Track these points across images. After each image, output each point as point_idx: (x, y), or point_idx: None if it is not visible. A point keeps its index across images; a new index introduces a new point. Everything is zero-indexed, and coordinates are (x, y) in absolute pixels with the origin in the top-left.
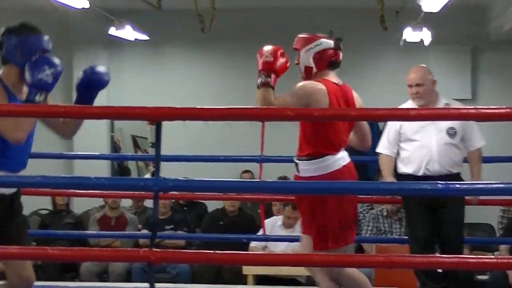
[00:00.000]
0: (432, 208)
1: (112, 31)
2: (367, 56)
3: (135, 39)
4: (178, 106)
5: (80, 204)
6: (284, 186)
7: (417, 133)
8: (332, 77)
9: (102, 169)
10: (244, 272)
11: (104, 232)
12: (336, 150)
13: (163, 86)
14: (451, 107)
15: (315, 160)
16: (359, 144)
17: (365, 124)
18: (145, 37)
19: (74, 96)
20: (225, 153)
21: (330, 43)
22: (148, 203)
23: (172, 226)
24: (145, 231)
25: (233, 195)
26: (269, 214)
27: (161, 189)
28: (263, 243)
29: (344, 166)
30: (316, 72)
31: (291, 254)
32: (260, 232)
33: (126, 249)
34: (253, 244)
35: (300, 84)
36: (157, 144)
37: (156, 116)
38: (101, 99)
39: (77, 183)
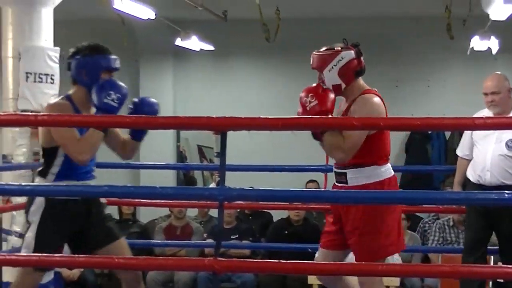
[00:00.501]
0: (489, 217)
1: (178, 41)
2: (434, 64)
3: (201, 49)
4: (243, 116)
5: (146, 214)
6: (350, 196)
7: (481, 140)
8: (365, 84)
9: (168, 179)
10: (309, 282)
11: (170, 241)
12: (385, 161)
13: (228, 95)
14: None
15: (365, 168)
16: None
17: None
18: (211, 47)
19: None
20: (290, 162)
21: (351, 53)
22: (213, 212)
23: (237, 235)
24: (210, 241)
25: (298, 204)
26: None
27: (226, 198)
28: None
29: (393, 175)
30: (345, 88)
31: (356, 264)
32: None
33: (191, 258)
34: (318, 254)
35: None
36: (222, 154)
37: (222, 126)
38: (167, 109)
39: (144, 193)
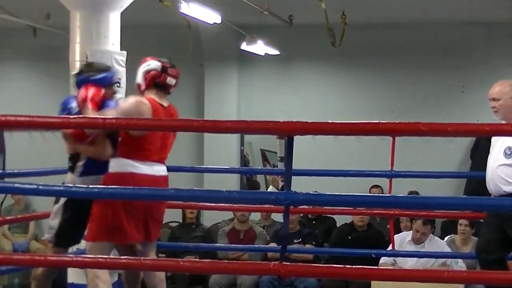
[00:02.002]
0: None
1: (243, 46)
2: (501, 70)
3: (266, 54)
4: (309, 121)
5: (209, 217)
6: (415, 201)
7: (491, 149)
8: (158, 97)
9: (231, 183)
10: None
11: (234, 245)
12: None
13: (293, 100)
14: None
15: None
16: None
17: None
18: (276, 52)
19: (207, 109)
20: (353, 167)
21: (158, 65)
22: (275, 216)
23: (300, 239)
24: (273, 245)
25: (363, 210)
26: (396, 230)
27: (292, 203)
28: (391, 259)
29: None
30: (143, 90)
31: (420, 269)
32: (389, 248)
33: (256, 262)
34: (383, 260)
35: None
36: (288, 158)
37: (289, 131)
38: (232, 114)
39: (210, 196)
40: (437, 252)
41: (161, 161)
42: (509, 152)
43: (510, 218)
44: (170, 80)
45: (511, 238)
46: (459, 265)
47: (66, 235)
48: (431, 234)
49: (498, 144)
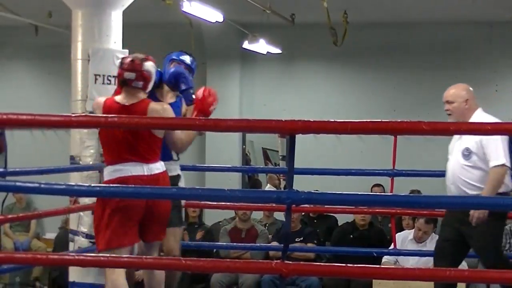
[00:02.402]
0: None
1: (245, 44)
2: (502, 69)
3: (268, 52)
4: (311, 119)
5: (211, 216)
6: (416, 200)
7: (449, 151)
8: (124, 96)
9: (232, 181)
10: (374, 287)
11: (236, 244)
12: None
13: (295, 99)
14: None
15: None
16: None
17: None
18: (278, 51)
19: None
20: (355, 166)
21: (119, 62)
22: (277, 215)
23: (301, 238)
24: (274, 243)
25: (364, 209)
26: (398, 229)
27: (294, 201)
28: (394, 258)
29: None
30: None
31: (422, 268)
32: (391, 246)
33: (258, 261)
34: (385, 258)
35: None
36: (290, 157)
37: (291, 129)
38: (234, 112)
39: (212, 195)
40: None
41: (123, 161)
42: (467, 153)
43: (469, 223)
44: (128, 75)
45: (467, 242)
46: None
47: None
48: (433, 233)
49: (457, 146)
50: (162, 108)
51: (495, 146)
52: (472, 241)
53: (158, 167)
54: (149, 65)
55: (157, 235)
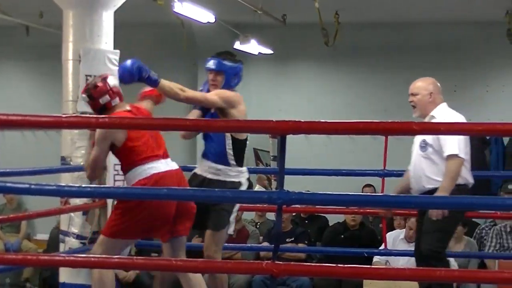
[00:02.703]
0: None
1: (237, 45)
2: (493, 69)
3: (259, 53)
4: (302, 120)
5: None
6: (407, 200)
7: (413, 146)
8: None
9: None
10: (365, 287)
11: (227, 244)
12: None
13: (286, 99)
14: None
15: None
16: None
17: None
18: (269, 51)
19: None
20: (346, 167)
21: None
22: (269, 214)
23: (292, 239)
24: (265, 244)
25: (355, 209)
26: (390, 229)
27: (285, 202)
28: (385, 258)
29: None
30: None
31: (413, 268)
32: (382, 247)
33: (249, 261)
34: (376, 258)
35: None
36: (281, 157)
37: (282, 130)
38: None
39: (204, 195)
40: None
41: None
42: (424, 145)
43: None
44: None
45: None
46: (451, 264)
47: None
48: None
49: (417, 138)
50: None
51: (451, 137)
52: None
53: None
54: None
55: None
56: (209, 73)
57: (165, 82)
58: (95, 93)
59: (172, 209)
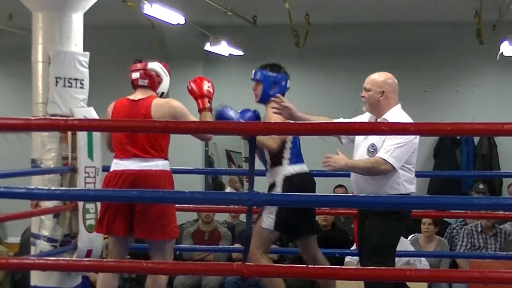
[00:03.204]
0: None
1: (208, 46)
2: (463, 70)
3: (230, 54)
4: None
5: None
6: (379, 201)
7: (354, 149)
8: (134, 94)
9: (196, 183)
10: (338, 287)
11: (199, 246)
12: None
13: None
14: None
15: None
16: None
17: None
18: (240, 53)
19: None
20: (318, 167)
21: None
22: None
23: None
24: (238, 245)
25: (327, 209)
26: None
27: (255, 203)
28: (356, 258)
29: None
30: None
31: (384, 269)
32: (353, 247)
33: (220, 263)
34: (348, 258)
35: None
36: (251, 159)
37: (251, 131)
38: (197, 114)
39: (173, 197)
40: (401, 251)
41: (127, 157)
42: (373, 150)
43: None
44: (134, 75)
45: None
46: (423, 263)
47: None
48: None
49: (364, 143)
50: (166, 102)
51: (394, 144)
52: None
53: (152, 164)
54: (154, 65)
55: (142, 233)
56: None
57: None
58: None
59: None
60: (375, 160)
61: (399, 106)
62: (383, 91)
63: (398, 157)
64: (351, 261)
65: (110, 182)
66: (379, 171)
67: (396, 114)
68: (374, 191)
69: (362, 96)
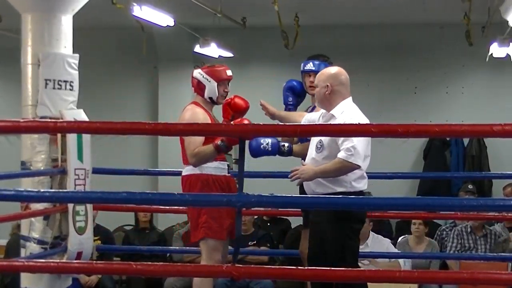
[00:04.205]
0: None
1: (197, 48)
2: (453, 71)
3: (220, 56)
4: (261, 123)
5: (164, 220)
6: (367, 202)
7: (310, 147)
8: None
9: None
10: None
11: (189, 248)
12: None
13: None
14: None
15: None
16: None
17: None
18: (230, 54)
19: (161, 112)
20: None
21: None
22: None
23: (254, 241)
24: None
25: None
26: None
27: (244, 205)
28: None
29: None
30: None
31: (373, 270)
32: None
33: (209, 264)
34: None
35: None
36: (240, 161)
37: (241, 133)
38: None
39: (162, 199)
40: (391, 252)
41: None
42: (320, 146)
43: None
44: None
45: None
46: (406, 264)
47: None
48: (373, 233)
49: (314, 140)
50: (188, 109)
51: (353, 141)
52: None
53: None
54: (195, 73)
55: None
56: (307, 76)
57: (295, 148)
58: None
59: None
60: (338, 160)
61: (349, 99)
62: (327, 85)
63: (359, 151)
64: None
65: None
66: (348, 167)
67: (344, 109)
68: (325, 190)
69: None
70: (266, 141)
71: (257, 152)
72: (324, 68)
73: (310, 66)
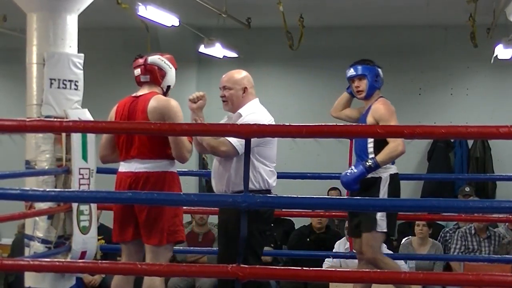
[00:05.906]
0: None
1: (202, 48)
2: (458, 73)
3: (224, 56)
4: (266, 123)
5: None
6: (372, 203)
7: None
8: (139, 90)
9: (189, 186)
10: None
11: (193, 248)
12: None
13: None
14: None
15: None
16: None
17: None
18: (234, 55)
19: None
20: (311, 170)
21: None
22: None
23: None
24: None
25: (321, 212)
26: None
27: (250, 205)
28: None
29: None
30: None
31: (378, 271)
32: (348, 247)
33: (214, 265)
34: (327, 261)
35: None
36: (246, 160)
37: (246, 133)
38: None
39: (168, 199)
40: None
41: (128, 158)
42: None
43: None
44: (135, 72)
45: None
46: (408, 266)
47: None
48: None
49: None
50: (165, 100)
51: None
52: None
53: (148, 166)
54: (154, 58)
55: (147, 238)
56: (352, 82)
57: (380, 158)
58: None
59: None
60: (220, 140)
61: (257, 100)
62: (245, 87)
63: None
64: (329, 263)
65: (116, 184)
66: (218, 151)
67: (252, 110)
68: (227, 187)
69: (222, 96)
70: (350, 168)
71: (347, 182)
72: (369, 68)
73: (351, 72)
